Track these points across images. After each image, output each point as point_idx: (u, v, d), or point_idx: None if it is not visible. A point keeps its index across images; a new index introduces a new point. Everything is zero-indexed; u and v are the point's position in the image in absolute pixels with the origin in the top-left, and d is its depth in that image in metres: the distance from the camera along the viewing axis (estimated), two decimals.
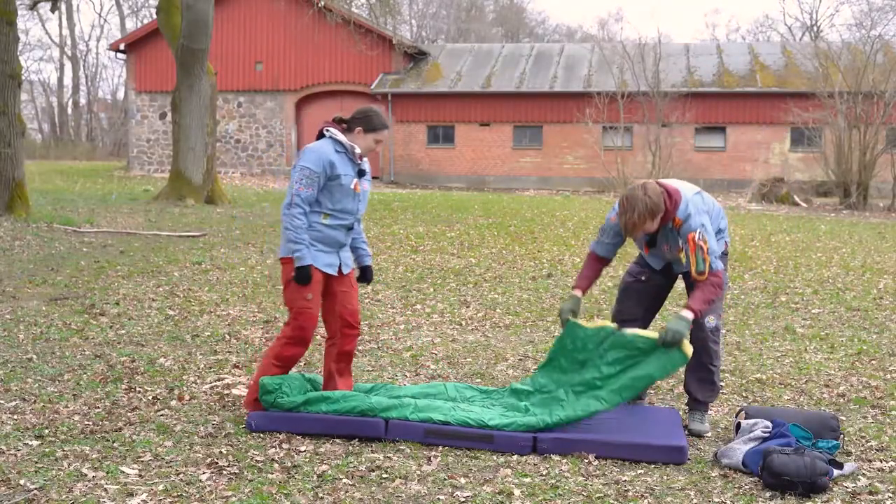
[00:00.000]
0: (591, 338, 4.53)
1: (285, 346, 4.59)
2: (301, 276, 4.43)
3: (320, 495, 3.66)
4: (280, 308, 7.62)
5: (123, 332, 6.55)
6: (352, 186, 4.56)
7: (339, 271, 4.64)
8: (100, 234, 12.06)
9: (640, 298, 4.81)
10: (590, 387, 4.40)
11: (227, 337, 6.52)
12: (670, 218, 4.47)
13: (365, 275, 4.88)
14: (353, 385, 4.83)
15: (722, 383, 5.45)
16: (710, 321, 4.57)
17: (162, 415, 4.65)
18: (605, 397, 4.36)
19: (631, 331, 4.46)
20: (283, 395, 4.48)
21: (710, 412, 4.91)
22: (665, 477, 3.96)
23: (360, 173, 4.63)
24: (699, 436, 4.57)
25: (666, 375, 4.42)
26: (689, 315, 4.31)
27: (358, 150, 4.59)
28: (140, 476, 3.81)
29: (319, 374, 5.47)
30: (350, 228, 4.66)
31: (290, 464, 3.99)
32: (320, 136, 4.67)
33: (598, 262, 4.78)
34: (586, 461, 4.12)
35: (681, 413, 4.88)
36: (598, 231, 4.86)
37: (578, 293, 4.74)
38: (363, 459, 4.07)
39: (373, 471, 3.94)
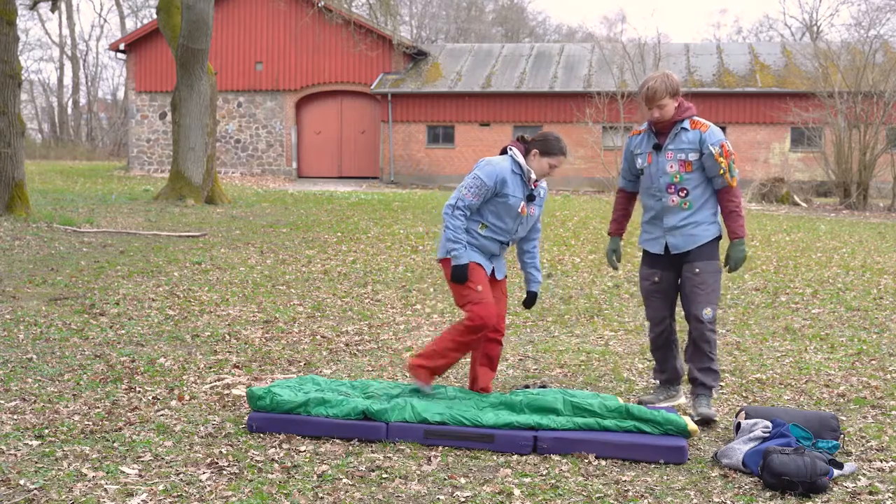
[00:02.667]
0: (591, 401, 4.49)
1: (465, 333, 4.67)
2: (457, 273, 4.55)
3: (320, 495, 3.66)
4: (280, 308, 7.62)
5: (123, 332, 6.55)
6: (518, 209, 4.70)
7: (493, 276, 4.80)
8: (100, 234, 12.06)
9: (664, 298, 4.97)
10: (590, 413, 4.41)
11: (227, 337, 6.52)
12: (684, 113, 4.76)
13: (529, 300, 5.02)
14: (491, 387, 4.93)
15: (721, 383, 5.46)
16: (707, 313, 4.74)
17: (162, 415, 4.65)
18: (608, 425, 4.35)
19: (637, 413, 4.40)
20: (278, 395, 4.47)
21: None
22: (665, 477, 3.96)
23: (530, 198, 4.75)
24: (709, 419, 4.64)
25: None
26: (741, 240, 4.78)
27: (533, 176, 4.72)
28: (140, 476, 3.80)
29: (320, 375, 5.47)
30: (505, 244, 4.83)
31: (290, 464, 3.99)
32: (504, 152, 4.79)
33: (627, 199, 5.13)
34: (586, 461, 4.12)
35: (680, 410, 4.88)
36: (620, 170, 5.12)
37: (618, 237, 5.13)
38: (363, 459, 4.07)
39: (373, 471, 3.94)
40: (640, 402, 4.99)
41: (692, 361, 4.82)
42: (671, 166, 4.74)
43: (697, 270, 4.75)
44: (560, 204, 20.77)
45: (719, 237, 4.85)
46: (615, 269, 5.22)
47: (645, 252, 4.99)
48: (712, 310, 4.74)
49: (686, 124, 4.74)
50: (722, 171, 4.68)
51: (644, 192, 4.93)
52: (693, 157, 4.70)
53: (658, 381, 5.15)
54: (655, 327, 4.99)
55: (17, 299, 7.57)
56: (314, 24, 28.70)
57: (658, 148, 4.78)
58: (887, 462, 4.15)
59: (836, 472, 3.89)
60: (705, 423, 4.66)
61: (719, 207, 4.83)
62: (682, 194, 4.74)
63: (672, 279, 4.92)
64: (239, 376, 5.44)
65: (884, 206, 21.63)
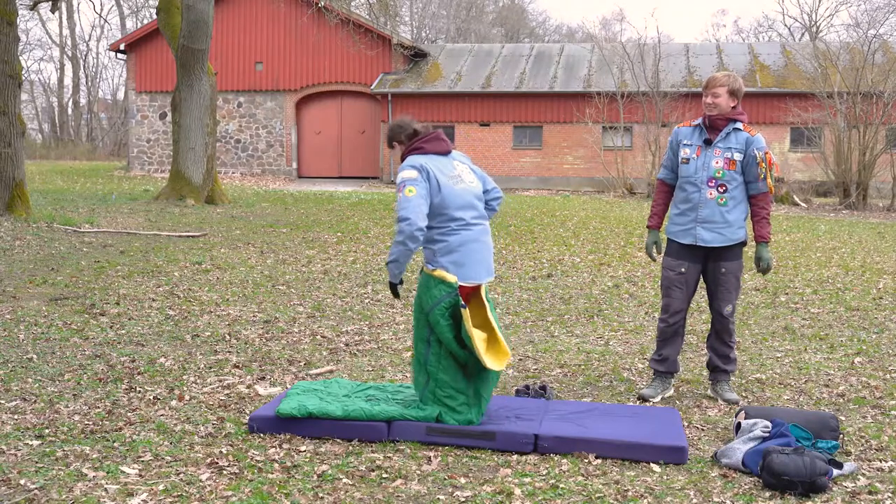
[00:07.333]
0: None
1: None
2: None
3: (320, 495, 3.66)
4: (280, 308, 7.62)
5: (123, 332, 6.55)
6: None
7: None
8: (100, 234, 12.06)
9: (685, 290, 5.17)
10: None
11: (227, 337, 6.52)
12: (738, 116, 5.02)
13: None
14: None
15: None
16: (728, 309, 5.16)
17: (162, 415, 4.65)
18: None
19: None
20: (308, 407, 4.45)
21: (711, 412, 4.93)
22: (665, 477, 3.96)
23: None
24: (735, 402, 5.04)
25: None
26: (766, 245, 5.09)
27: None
28: (140, 476, 3.81)
29: (324, 377, 5.47)
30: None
31: (290, 464, 3.99)
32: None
33: (668, 191, 5.28)
34: (586, 461, 4.12)
35: (679, 411, 4.88)
36: (662, 161, 5.35)
37: (657, 230, 5.32)
38: (363, 459, 4.08)
39: (373, 471, 3.94)
40: (639, 398, 5.15)
41: (713, 349, 5.22)
42: (717, 162, 5.01)
43: (724, 270, 5.10)
44: (560, 204, 20.77)
45: (745, 242, 5.13)
46: (654, 260, 5.41)
47: (672, 242, 5.17)
48: (733, 306, 5.17)
49: (738, 126, 5.03)
50: (762, 176, 4.97)
51: (683, 181, 5.10)
52: (738, 157, 4.99)
53: (654, 371, 5.26)
54: (671, 318, 5.18)
55: (17, 299, 7.57)
56: (314, 24, 28.70)
57: (708, 143, 5.04)
58: (887, 462, 4.15)
59: (835, 472, 3.89)
60: (733, 403, 5.04)
61: (750, 212, 5.11)
62: (721, 190, 5.00)
63: (696, 272, 5.17)
64: (239, 376, 5.44)
65: (883, 206, 21.63)
